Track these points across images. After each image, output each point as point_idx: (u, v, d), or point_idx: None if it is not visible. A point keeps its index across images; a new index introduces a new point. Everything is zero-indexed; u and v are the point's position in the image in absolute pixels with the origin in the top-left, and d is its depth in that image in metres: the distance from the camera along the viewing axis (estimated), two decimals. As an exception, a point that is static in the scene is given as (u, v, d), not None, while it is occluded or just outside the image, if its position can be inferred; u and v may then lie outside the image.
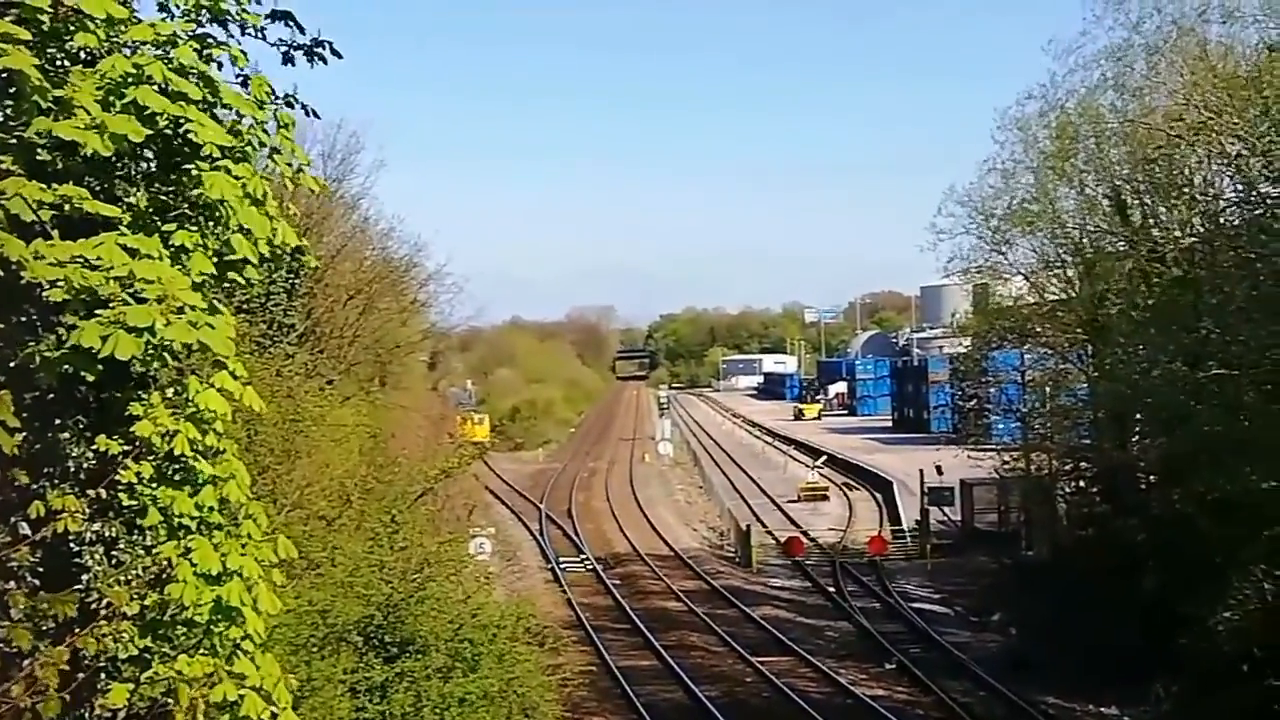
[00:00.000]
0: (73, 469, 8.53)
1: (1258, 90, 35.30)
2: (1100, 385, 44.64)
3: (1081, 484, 48.98)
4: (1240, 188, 38.44)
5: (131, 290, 7.89)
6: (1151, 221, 43.18)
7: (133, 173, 8.98)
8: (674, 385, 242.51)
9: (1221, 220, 39.36)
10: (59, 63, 8.58)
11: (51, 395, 8.35)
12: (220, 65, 9.12)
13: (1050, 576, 44.50)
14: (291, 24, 9.73)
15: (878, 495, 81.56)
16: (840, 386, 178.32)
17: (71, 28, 8.40)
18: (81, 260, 7.84)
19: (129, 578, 8.55)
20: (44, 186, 7.87)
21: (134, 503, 8.58)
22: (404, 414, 63.90)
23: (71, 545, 8.38)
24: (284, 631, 18.02)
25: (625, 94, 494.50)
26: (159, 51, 8.62)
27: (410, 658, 23.16)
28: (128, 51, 8.49)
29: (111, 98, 8.26)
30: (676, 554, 63.89)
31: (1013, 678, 37.31)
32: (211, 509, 8.67)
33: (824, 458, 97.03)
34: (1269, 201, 35.91)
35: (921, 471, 65.15)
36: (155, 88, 8.36)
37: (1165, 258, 40.64)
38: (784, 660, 41.21)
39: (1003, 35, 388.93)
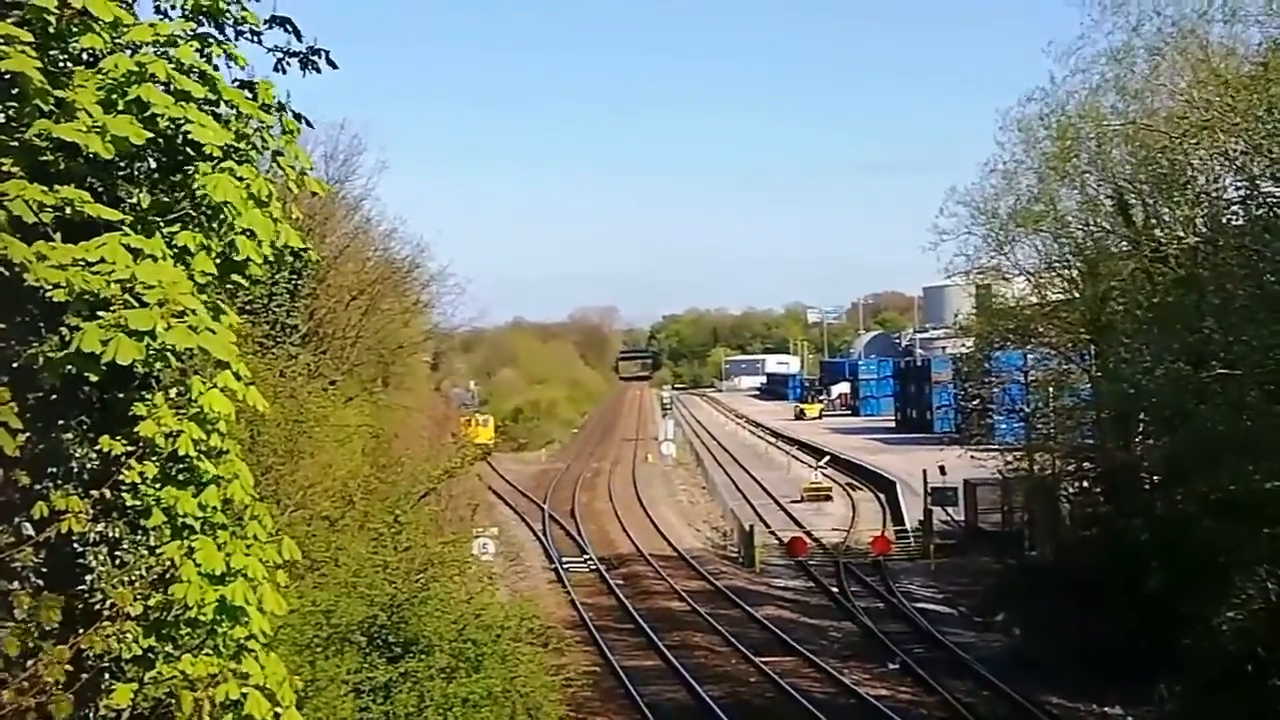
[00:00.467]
0: (76, 469, 8.55)
1: (1263, 88, 35.27)
2: (1103, 385, 44.57)
3: (1085, 484, 48.89)
4: (1243, 187, 38.41)
5: (133, 292, 7.90)
6: (1154, 221, 43.13)
7: (135, 173, 9.00)
8: (677, 386, 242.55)
9: (1224, 220, 39.31)
10: (62, 64, 8.60)
11: (55, 396, 8.37)
12: (216, 67, 9.15)
13: (1054, 576, 44.46)
14: (289, 29, 9.75)
15: (881, 495, 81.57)
16: (843, 387, 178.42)
17: (75, 29, 8.41)
18: (83, 263, 7.85)
19: (133, 578, 8.56)
20: (46, 189, 7.88)
21: (137, 503, 8.59)
22: (407, 414, 64.02)
23: (75, 546, 8.39)
24: (288, 632, 18.03)
25: (627, 96, 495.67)
26: (160, 51, 8.64)
27: (414, 658, 23.18)
28: (129, 52, 8.51)
29: (114, 96, 8.28)
30: (680, 554, 63.92)
31: (1016, 678, 37.29)
32: (215, 509, 8.68)
33: (827, 458, 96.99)
34: (1272, 200, 35.90)
35: (925, 471, 65.15)
36: (158, 86, 8.38)
37: (1168, 257, 40.59)
38: (787, 660, 41.21)
39: (1006, 36, 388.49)
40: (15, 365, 8.00)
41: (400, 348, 67.26)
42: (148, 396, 8.56)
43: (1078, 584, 40.26)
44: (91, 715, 8.44)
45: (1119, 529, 40.75)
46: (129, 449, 8.34)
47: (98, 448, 8.42)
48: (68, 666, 7.48)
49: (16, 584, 7.84)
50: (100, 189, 8.70)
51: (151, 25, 8.70)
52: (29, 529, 7.93)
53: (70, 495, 7.98)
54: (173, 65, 8.54)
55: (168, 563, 8.47)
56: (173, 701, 8.41)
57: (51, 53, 8.46)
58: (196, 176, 8.68)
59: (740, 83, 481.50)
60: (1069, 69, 44.44)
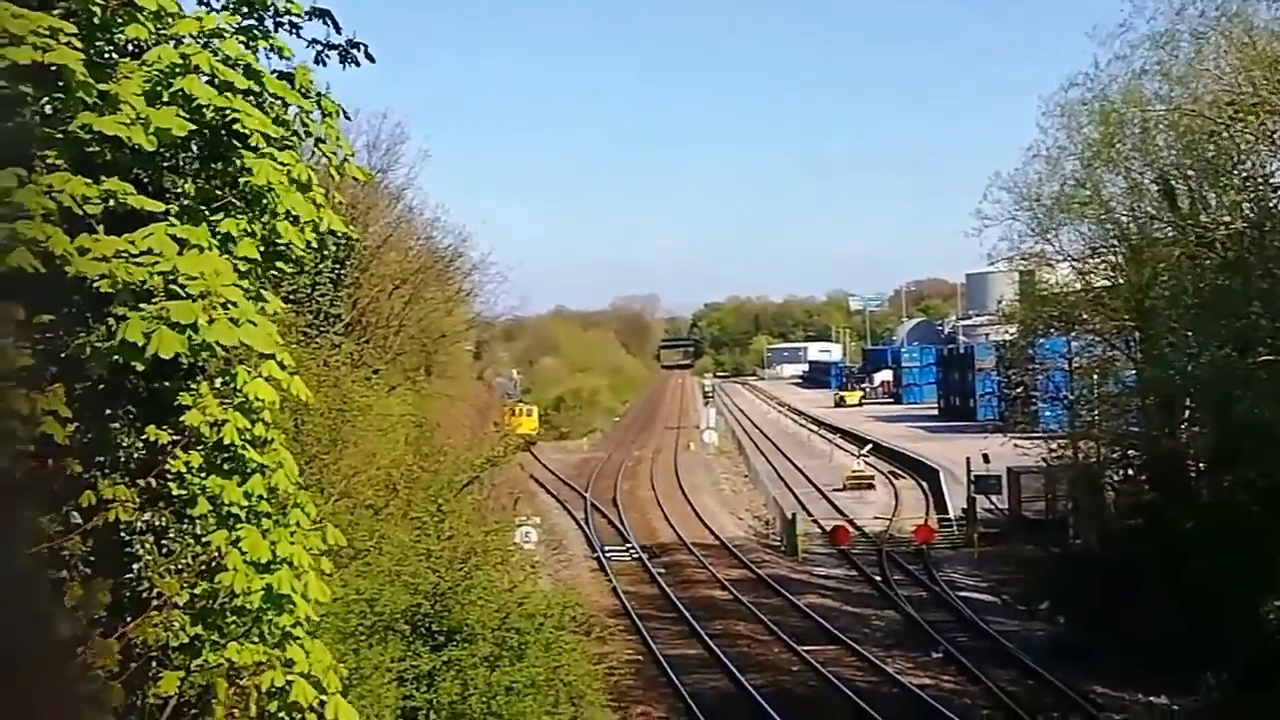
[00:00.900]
0: (123, 458, 8.61)
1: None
2: (1148, 372, 44.36)
3: (1129, 472, 48.64)
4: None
5: (175, 284, 7.94)
6: (1199, 206, 42.85)
7: (180, 163, 9.06)
8: (718, 374, 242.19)
9: (1271, 204, 39.01)
10: (107, 55, 8.65)
11: (102, 385, 8.42)
12: (258, 59, 9.19)
13: (1098, 565, 44.25)
14: (329, 22, 9.77)
15: (924, 483, 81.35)
16: (886, 374, 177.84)
17: (121, 20, 8.46)
18: (126, 255, 7.90)
19: (179, 566, 8.63)
20: (89, 181, 7.93)
21: (183, 492, 8.65)
22: (450, 403, 64.11)
23: (122, 534, 8.46)
24: (332, 620, 18.09)
25: (669, 80, 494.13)
26: (205, 43, 8.69)
27: (457, 646, 23.21)
28: (174, 44, 8.56)
29: (159, 88, 8.32)
30: (722, 543, 63.89)
31: (1060, 666, 37.15)
32: (260, 498, 8.73)
33: (870, 446, 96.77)
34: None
35: (968, 459, 64.88)
36: (202, 78, 8.43)
37: (1214, 243, 40.32)
38: (830, 649, 41.16)
39: (1049, 20, 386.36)
40: (64, 355, 8.06)
41: (443, 336, 67.37)
42: (193, 386, 8.62)
43: (1122, 572, 40.09)
44: (138, 703, 8.50)
45: (1164, 517, 40.49)
46: (175, 438, 8.40)
47: (144, 437, 8.49)
48: (117, 655, 7.54)
49: (65, 572, 7.90)
50: (145, 179, 8.75)
51: (197, 19, 8.75)
52: (77, 517, 7.99)
53: (117, 484, 8.05)
54: (218, 58, 8.59)
55: (214, 551, 8.53)
56: (219, 688, 8.47)
57: (97, 44, 8.51)
58: (240, 163, 8.73)
59: (787, 67, 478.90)
60: (1112, 54, 44.21)
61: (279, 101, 9.12)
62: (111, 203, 8.05)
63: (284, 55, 9.39)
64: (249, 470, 8.70)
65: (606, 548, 61.71)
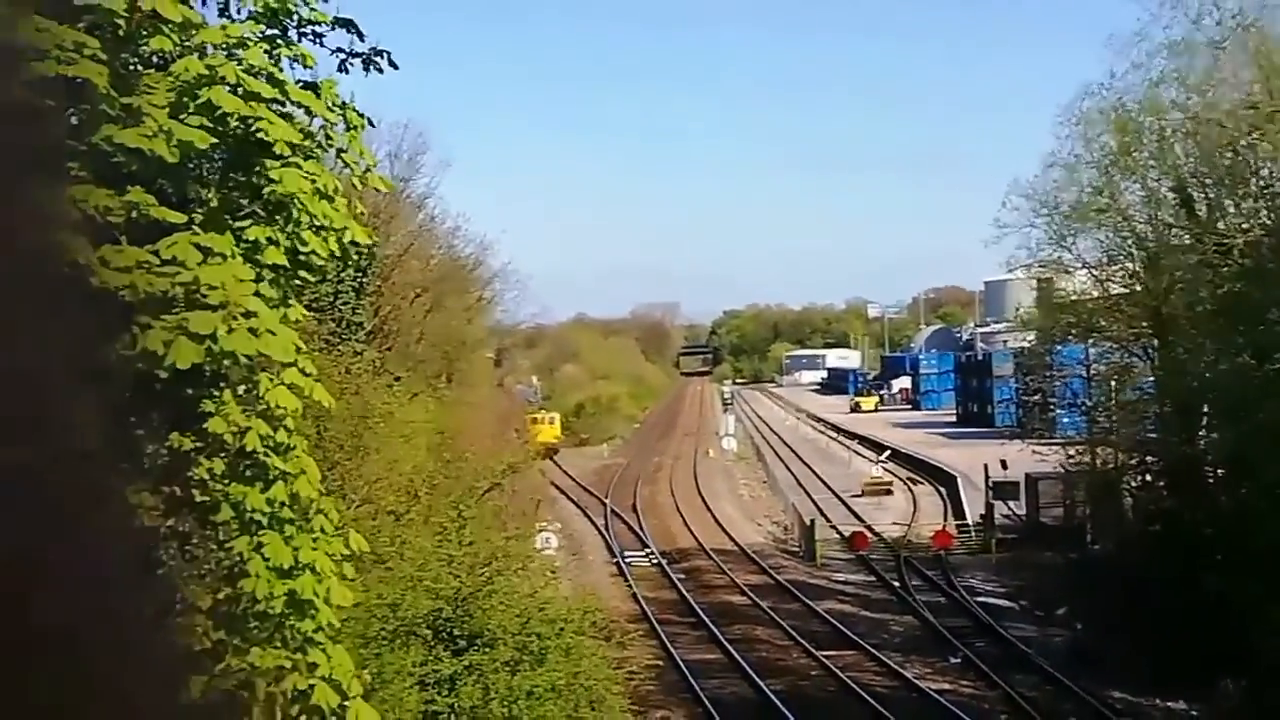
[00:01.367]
0: (147, 465, 8.71)
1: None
2: (1166, 379, 44.35)
3: (1147, 478, 48.60)
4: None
5: (196, 294, 8.05)
6: (1217, 214, 42.86)
7: (205, 173, 9.16)
8: (737, 381, 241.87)
9: (1289, 212, 39.07)
10: (132, 67, 8.76)
11: (126, 393, 8.53)
12: (282, 69, 9.29)
13: (1116, 571, 44.20)
14: (352, 30, 9.88)
15: (942, 490, 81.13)
16: (904, 381, 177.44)
17: (145, 32, 8.57)
18: (146, 266, 8.01)
19: (202, 572, 8.73)
20: (111, 192, 8.04)
21: (206, 498, 8.74)
22: (471, 410, 64.20)
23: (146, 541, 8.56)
24: (354, 625, 18.22)
25: (685, 84, 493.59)
26: (229, 53, 8.80)
27: (478, 651, 23.35)
28: (198, 55, 8.67)
29: (185, 99, 8.44)
30: (741, 548, 63.84)
31: (1079, 672, 37.13)
32: (283, 504, 8.82)
33: (888, 452, 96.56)
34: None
35: (986, 466, 64.83)
36: (227, 88, 8.54)
37: (1231, 250, 40.31)
38: (849, 654, 41.14)
39: (1065, 28, 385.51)
40: (89, 365, 8.16)
41: (464, 344, 67.51)
42: (216, 393, 8.72)
43: (1140, 578, 40.04)
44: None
45: (1182, 523, 40.49)
46: (198, 445, 8.50)
47: (168, 444, 8.58)
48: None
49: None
50: (169, 190, 8.86)
51: (222, 29, 8.86)
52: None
53: (141, 491, 8.15)
54: (242, 68, 8.70)
55: (236, 557, 8.63)
56: (242, 693, 8.57)
57: (122, 55, 8.62)
58: (264, 172, 8.84)
59: (803, 74, 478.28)
60: (1129, 62, 44.27)
61: (303, 110, 9.23)
62: (135, 214, 8.16)
63: (307, 64, 9.51)
64: (271, 477, 8.80)
65: (626, 553, 61.71)
